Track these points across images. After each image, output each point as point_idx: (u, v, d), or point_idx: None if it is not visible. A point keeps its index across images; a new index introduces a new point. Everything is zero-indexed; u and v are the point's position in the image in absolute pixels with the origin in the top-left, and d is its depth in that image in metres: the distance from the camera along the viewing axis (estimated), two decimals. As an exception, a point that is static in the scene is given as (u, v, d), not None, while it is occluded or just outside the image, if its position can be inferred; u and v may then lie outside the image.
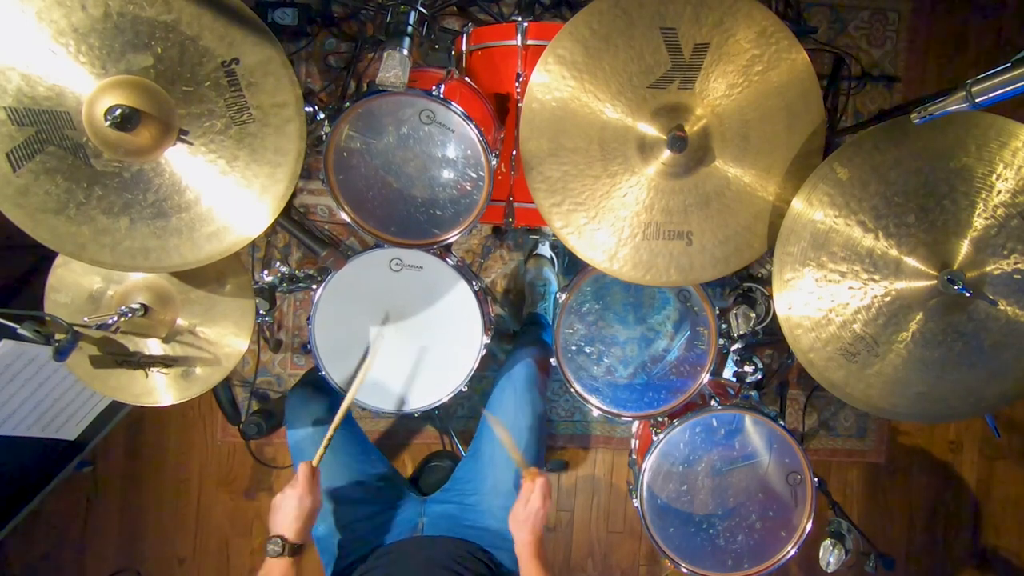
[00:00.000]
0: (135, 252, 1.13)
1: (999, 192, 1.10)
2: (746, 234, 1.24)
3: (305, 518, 1.21)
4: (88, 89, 1.03)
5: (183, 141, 1.08)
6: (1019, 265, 1.12)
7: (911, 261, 1.13)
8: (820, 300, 1.17)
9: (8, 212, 1.07)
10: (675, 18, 1.14)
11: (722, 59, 1.16)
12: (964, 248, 1.12)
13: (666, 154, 1.18)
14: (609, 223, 1.24)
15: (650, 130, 1.19)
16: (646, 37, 1.15)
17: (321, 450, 1.30)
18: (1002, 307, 1.13)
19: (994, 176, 1.10)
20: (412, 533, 1.41)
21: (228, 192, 1.12)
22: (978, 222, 1.11)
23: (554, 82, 1.19)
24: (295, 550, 1.19)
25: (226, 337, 1.36)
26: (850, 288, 1.15)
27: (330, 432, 1.32)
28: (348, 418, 1.58)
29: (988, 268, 1.12)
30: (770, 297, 1.60)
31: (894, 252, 1.13)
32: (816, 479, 1.47)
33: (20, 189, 1.06)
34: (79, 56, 1.02)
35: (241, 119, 1.08)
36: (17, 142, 1.04)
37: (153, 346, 1.35)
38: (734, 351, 1.70)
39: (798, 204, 1.15)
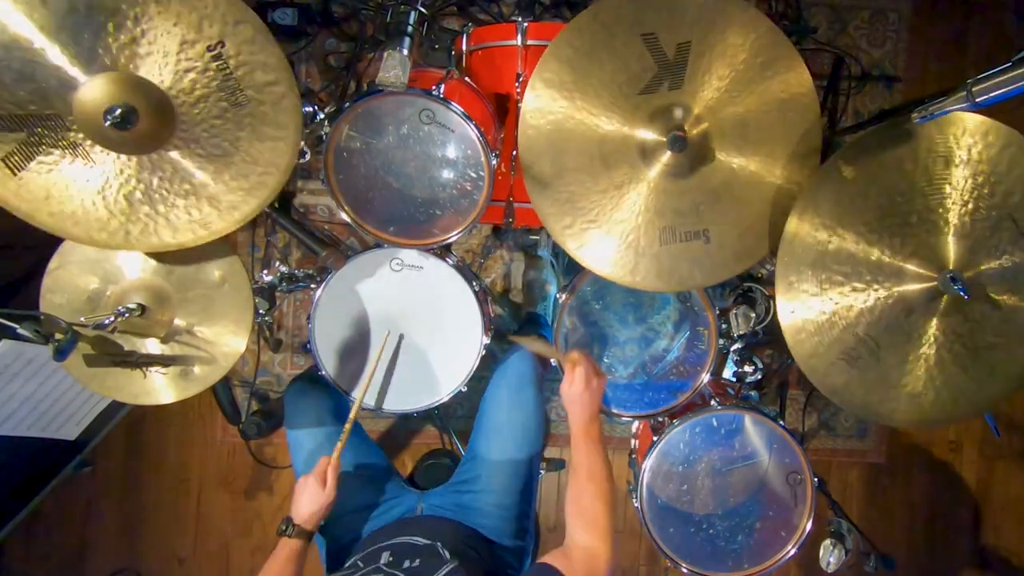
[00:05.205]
0: (150, 233, 1.14)
1: (992, 194, 1.11)
2: (763, 221, 1.23)
3: (316, 508, 1.27)
4: (74, 89, 1.01)
5: (182, 132, 1.08)
6: (1010, 265, 1.12)
7: (913, 262, 1.13)
8: (823, 303, 1.16)
9: (23, 215, 1.08)
10: (653, 22, 1.14)
11: (706, 53, 1.16)
12: (960, 249, 1.12)
13: (668, 156, 1.18)
14: (624, 236, 1.24)
15: (648, 135, 1.19)
16: (628, 46, 1.15)
17: (341, 444, 1.35)
18: (1002, 303, 1.14)
19: (991, 178, 1.10)
20: (412, 516, 1.42)
21: (233, 171, 1.12)
22: (974, 223, 1.12)
23: (546, 106, 1.19)
24: (301, 533, 1.26)
25: (224, 337, 1.36)
26: (853, 290, 1.15)
27: (347, 426, 1.37)
28: (349, 414, 1.59)
29: (982, 268, 1.13)
30: (770, 297, 1.60)
31: (897, 253, 1.13)
32: (816, 479, 1.47)
33: (26, 192, 1.07)
34: (54, 55, 0.99)
35: (236, 102, 1.08)
36: (11, 147, 1.04)
37: (151, 346, 1.35)
38: (734, 351, 1.70)
39: (803, 205, 1.14)
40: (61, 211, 1.10)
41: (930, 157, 1.11)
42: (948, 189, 1.11)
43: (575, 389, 1.24)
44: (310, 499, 1.28)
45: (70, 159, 1.07)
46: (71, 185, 1.09)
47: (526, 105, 1.20)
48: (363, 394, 1.43)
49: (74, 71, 1.01)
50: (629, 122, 1.19)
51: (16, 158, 1.04)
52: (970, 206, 1.11)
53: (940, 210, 1.12)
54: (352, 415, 1.39)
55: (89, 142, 1.06)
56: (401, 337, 1.50)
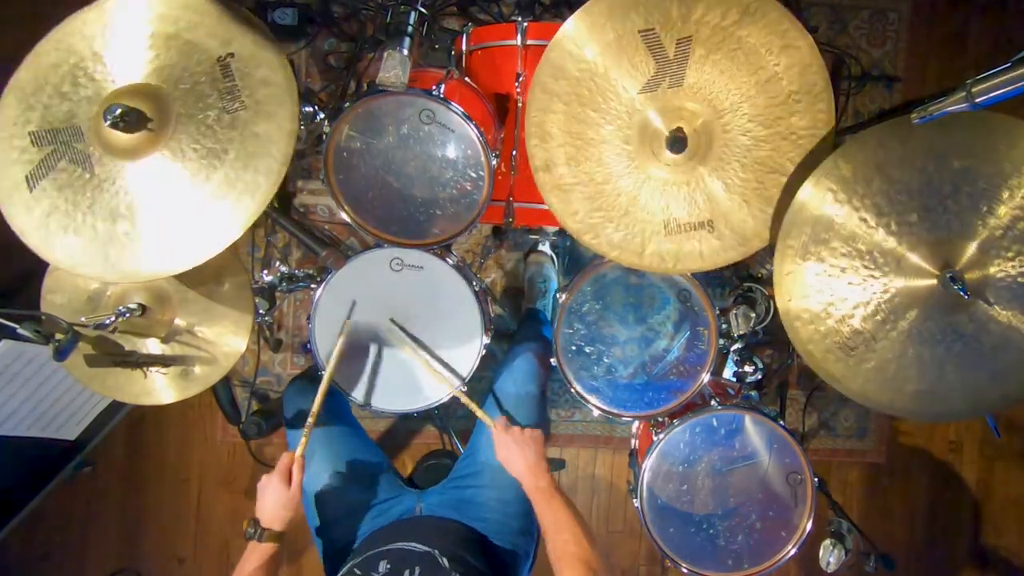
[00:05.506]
0: (146, 258, 1.12)
1: (1005, 194, 1.10)
2: (768, 213, 1.22)
3: (281, 506, 1.22)
4: (98, 101, 1.07)
5: (176, 136, 1.09)
6: (1023, 269, 1.11)
7: (912, 259, 1.12)
8: (820, 293, 1.16)
9: (26, 237, 1.09)
10: (652, 18, 1.13)
11: (708, 49, 1.15)
12: (967, 249, 1.12)
13: (669, 154, 1.18)
14: (630, 226, 1.24)
15: (656, 121, 1.18)
16: (626, 43, 1.15)
17: (304, 440, 1.30)
18: (1002, 311, 1.13)
19: (1000, 178, 1.10)
20: (411, 516, 1.41)
21: (230, 177, 1.11)
22: (983, 224, 1.11)
23: (547, 113, 1.19)
24: (271, 536, 1.20)
25: (225, 337, 1.36)
26: (850, 283, 1.15)
27: (311, 419, 1.32)
28: (347, 413, 1.59)
29: (991, 270, 1.12)
30: (770, 297, 1.60)
31: (895, 250, 1.13)
32: (816, 479, 1.47)
33: (35, 209, 1.09)
34: (95, 74, 1.08)
35: (233, 108, 1.09)
36: (35, 163, 1.08)
37: (152, 346, 1.35)
38: (734, 351, 1.70)
39: (801, 198, 1.14)
40: (55, 232, 1.10)
41: (932, 155, 1.11)
42: (951, 188, 1.11)
43: (504, 451, 1.30)
44: (275, 498, 1.22)
45: (76, 172, 1.08)
46: (70, 202, 1.10)
47: (529, 118, 1.20)
48: (326, 383, 1.39)
49: (105, 85, 1.08)
50: (629, 123, 1.18)
51: (36, 174, 1.08)
52: (978, 205, 1.11)
53: (941, 209, 1.11)
54: (315, 408, 1.34)
55: (96, 154, 1.08)
56: (382, 343, 1.50)
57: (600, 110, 1.18)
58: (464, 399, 1.44)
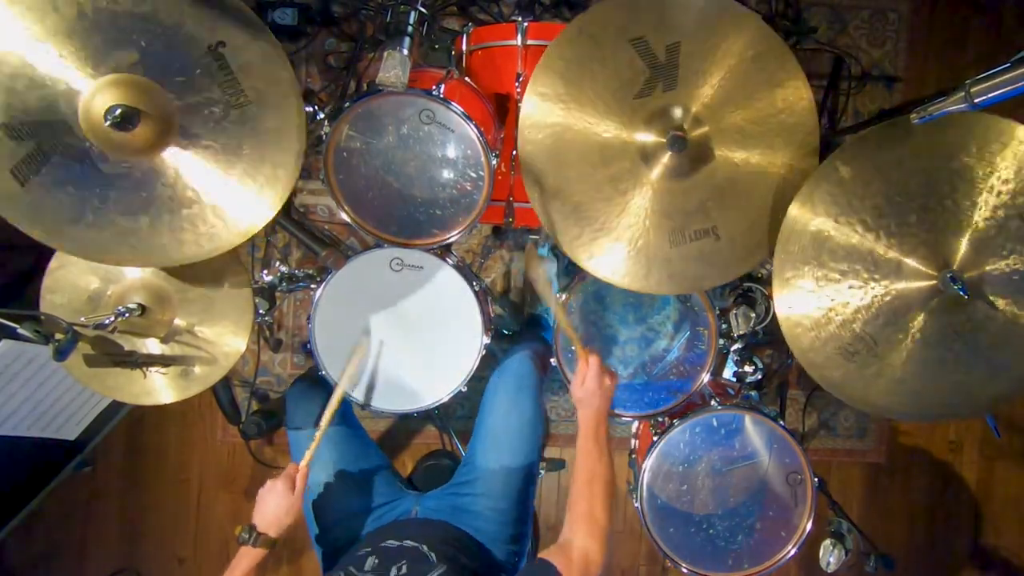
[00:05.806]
0: (157, 248, 1.12)
1: (1000, 193, 1.10)
2: (772, 213, 1.22)
3: (283, 513, 1.23)
4: (80, 94, 1.02)
5: (185, 133, 1.08)
6: (1018, 266, 1.12)
7: (911, 261, 1.13)
8: (820, 299, 1.17)
9: (26, 229, 1.07)
10: (640, 28, 1.15)
11: (697, 52, 1.16)
12: (963, 248, 1.12)
13: (668, 156, 1.18)
14: (633, 241, 1.23)
15: (648, 137, 1.19)
16: (618, 53, 1.16)
17: (310, 452, 1.32)
18: (1001, 307, 1.13)
19: (995, 177, 1.10)
20: (406, 518, 1.42)
21: (240, 173, 1.11)
22: (978, 223, 1.11)
23: (543, 118, 1.19)
24: (265, 541, 1.22)
25: (225, 337, 1.36)
26: (850, 288, 1.15)
27: (319, 434, 1.34)
28: (349, 413, 1.59)
29: (987, 268, 1.12)
30: (770, 297, 1.60)
31: (895, 252, 1.13)
32: (816, 479, 1.47)
33: (33, 204, 1.05)
34: (63, 60, 0.99)
35: (239, 102, 1.07)
36: (19, 157, 1.02)
37: (151, 346, 1.35)
38: (734, 351, 1.70)
39: (799, 203, 1.15)
40: (63, 225, 1.08)
41: (930, 155, 1.11)
42: (949, 188, 1.11)
43: (587, 388, 1.25)
44: (276, 503, 1.23)
45: (77, 168, 1.06)
46: (75, 196, 1.08)
47: (523, 120, 1.20)
48: (339, 396, 1.40)
49: (82, 76, 1.01)
50: (627, 127, 1.19)
51: (24, 169, 1.04)
52: (975, 205, 1.11)
53: (940, 209, 1.12)
54: (326, 420, 1.36)
55: (95, 149, 1.05)
56: (382, 343, 1.49)
57: (595, 121, 1.19)
58: (563, 321, 1.38)
